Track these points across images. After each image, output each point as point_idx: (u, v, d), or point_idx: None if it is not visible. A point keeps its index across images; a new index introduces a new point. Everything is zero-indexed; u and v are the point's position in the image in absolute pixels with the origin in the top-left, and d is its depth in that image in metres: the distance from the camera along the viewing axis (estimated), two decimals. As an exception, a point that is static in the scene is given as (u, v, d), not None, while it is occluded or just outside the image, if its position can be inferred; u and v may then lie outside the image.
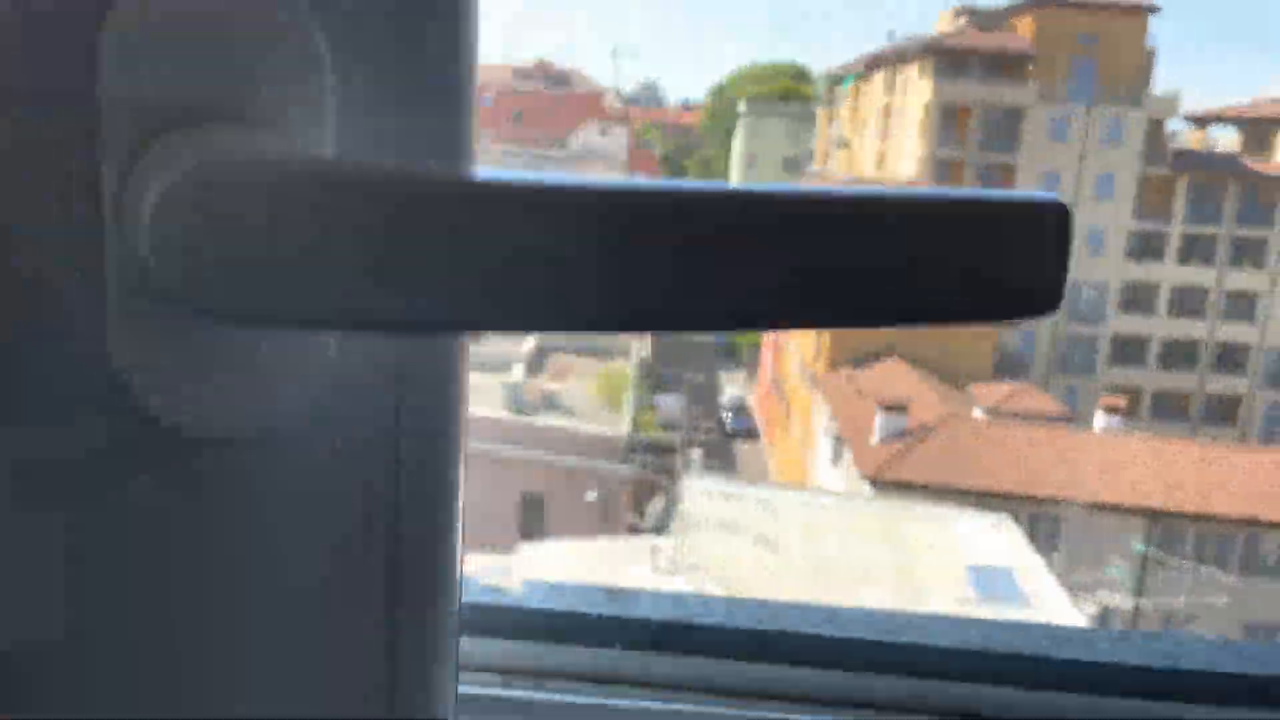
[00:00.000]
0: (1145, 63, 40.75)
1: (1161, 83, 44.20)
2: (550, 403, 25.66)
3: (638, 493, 22.38)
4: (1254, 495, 22.51)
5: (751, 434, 45.92)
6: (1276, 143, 43.01)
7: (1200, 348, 42.93)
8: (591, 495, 21.22)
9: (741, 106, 68.44)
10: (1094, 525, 21.57)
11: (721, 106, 78.64)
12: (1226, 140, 48.69)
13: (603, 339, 31.54)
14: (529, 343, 30.52)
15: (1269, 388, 43.07)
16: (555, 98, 59.68)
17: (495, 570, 16.16)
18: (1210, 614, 21.38)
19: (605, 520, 21.41)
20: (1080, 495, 21.73)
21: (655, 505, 19.50)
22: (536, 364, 29.91)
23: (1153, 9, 40.69)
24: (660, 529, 18.29)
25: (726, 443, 43.68)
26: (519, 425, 23.50)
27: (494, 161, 55.39)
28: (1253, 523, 22.09)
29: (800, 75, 76.50)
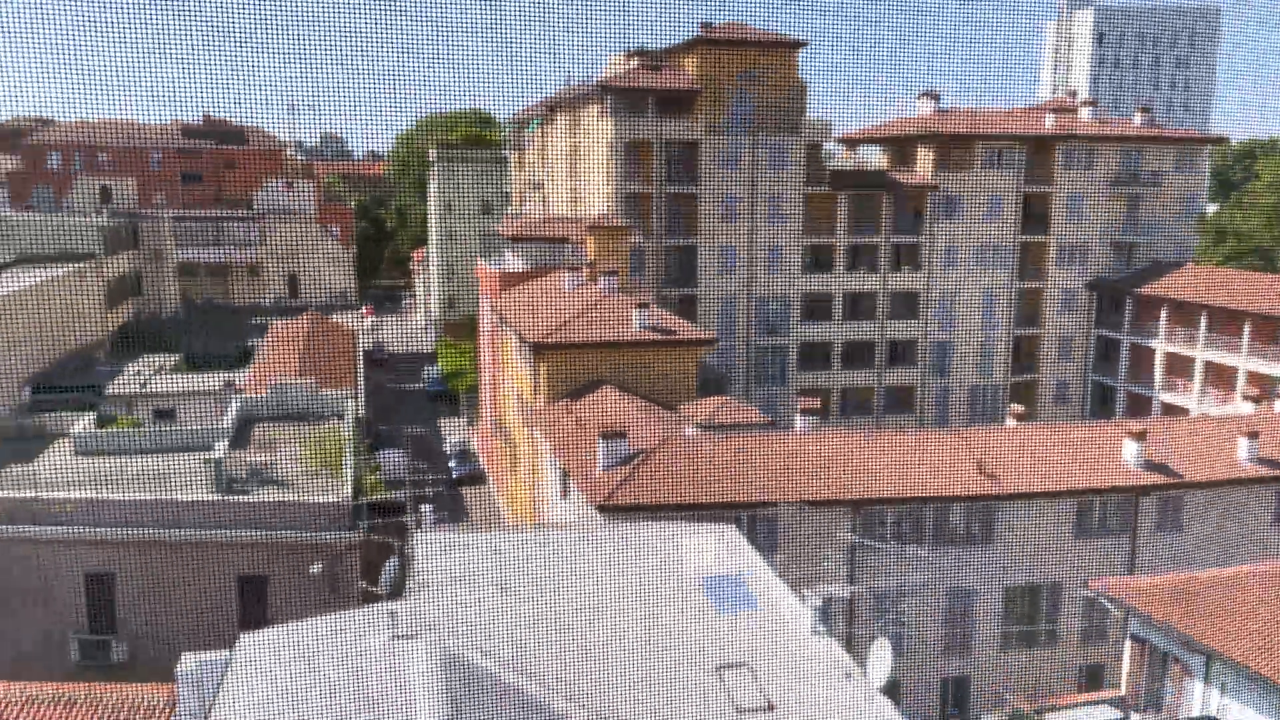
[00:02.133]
0: (799, 93, 44.64)
1: (814, 110, 48.50)
2: (261, 476, 24.15)
3: (369, 557, 21.50)
4: (937, 472, 25.04)
5: (478, 478, 45.53)
6: (917, 156, 48.45)
7: (875, 346, 47.38)
8: (316, 568, 20.15)
9: (431, 154, 68.07)
10: (808, 520, 23.09)
11: (410, 155, 77.79)
12: (875, 158, 54.23)
13: (310, 401, 30.11)
14: (229, 414, 28.59)
15: (936, 376, 48.19)
16: (231, 155, 56.61)
17: (213, 668, 14.89)
18: (917, 590, 23.47)
19: (335, 592, 20.40)
20: (792, 494, 23.22)
21: (389, 567, 18.78)
22: (241, 436, 28.10)
23: (801, 44, 44.65)
24: (396, 592, 17.63)
25: (455, 490, 43.04)
26: (229, 505, 21.93)
27: (167, 227, 51.37)
28: (945, 498, 24.53)
29: (485, 121, 77.21)
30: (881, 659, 16.09)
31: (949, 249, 47.74)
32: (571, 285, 35.81)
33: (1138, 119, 51.82)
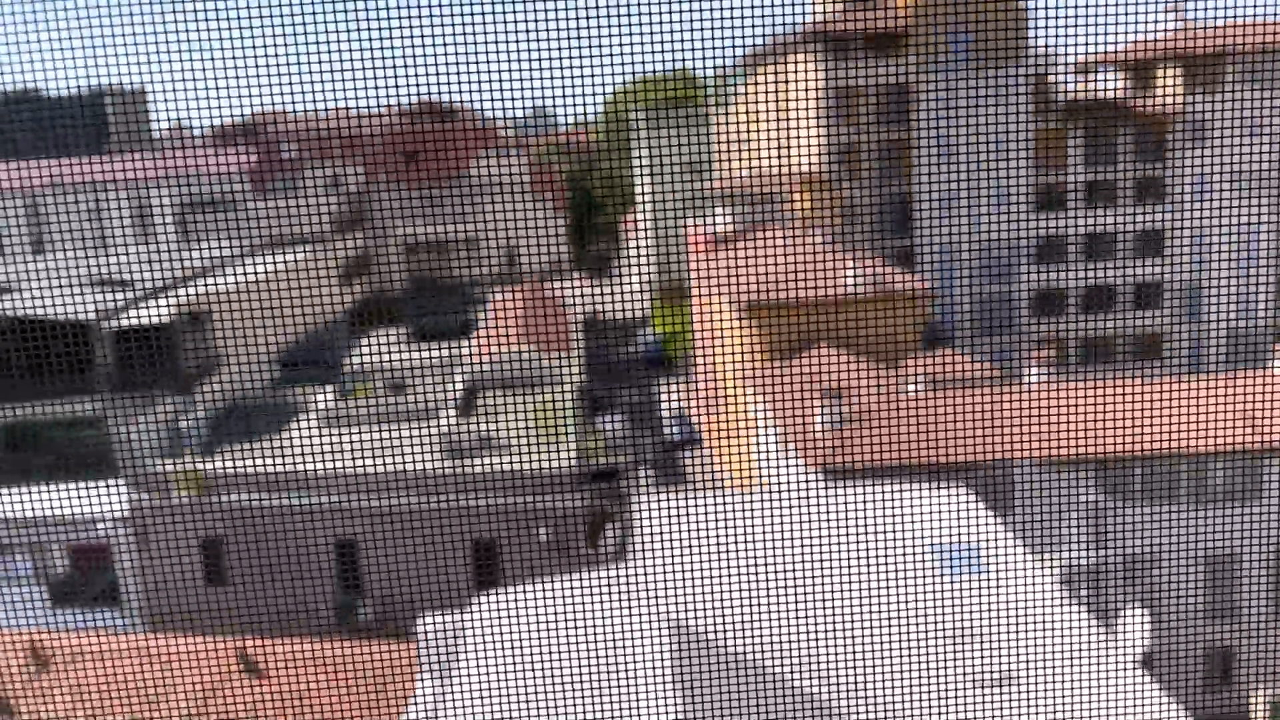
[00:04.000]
0: (1020, 20, 41.54)
1: (1040, 38, 45.33)
2: (488, 443, 24.99)
3: (592, 521, 21.85)
4: (1192, 424, 22.82)
5: (695, 441, 45.71)
6: (1161, 79, 44.21)
7: (1115, 289, 43.88)
8: (543, 533, 20.63)
9: (636, 117, 68.43)
10: (1046, 480, 21.59)
11: (615, 121, 78.57)
12: (1112, 85, 49.91)
13: (531, 369, 30.93)
14: (456, 385, 29.79)
15: (1186, 320, 44.15)
16: (447, 133, 58.94)
17: (451, 629, 15.46)
18: (1173, 554, 21.54)
19: (561, 556, 20.85)
20: (1027, 452, 21.76)
21: (612, 531, 18.97)
22: (468, 405, 29.21)
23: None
24: (619, 556, 17.77)
25: (673, 454, 43.40)
26: (459, 473, 22.82)
27: (391, 208, 54.28)
28: (1198, 454, 22.35)
29: (689, 80, 76.83)
30: (1135, 629, 14.78)
31: (1199, 180, 43.42)
32: (782, 242, 35.02)
33: None
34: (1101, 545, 21.05)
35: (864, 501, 19.28)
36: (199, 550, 22.89)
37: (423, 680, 15.76)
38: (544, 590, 16.38)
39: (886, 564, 16.25)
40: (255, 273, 33.76)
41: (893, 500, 18.94)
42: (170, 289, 30.77)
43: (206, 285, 31.40)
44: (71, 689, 16.86)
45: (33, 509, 23.20)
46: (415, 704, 14.94)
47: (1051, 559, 15.35)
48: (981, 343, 42.67)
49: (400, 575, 21.72)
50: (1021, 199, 42.57)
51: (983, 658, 13.34)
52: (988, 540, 16.74)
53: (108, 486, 23.72)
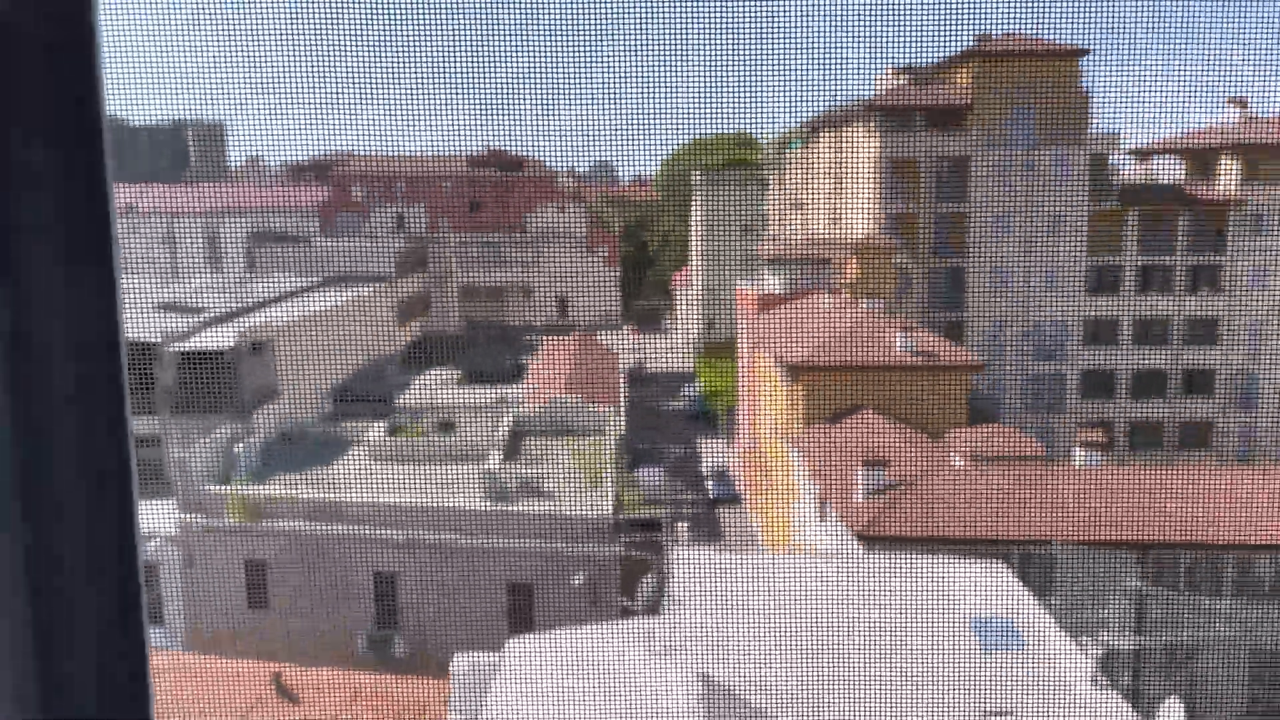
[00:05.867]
0: (1081, 103, 41.83)
1: (1100, 121, 45.44)
2: (530, 487, 25.32)
3: (627, 572, 22.01)
4: (1240, 515, 22.51)
5: (735, 499, 45.62)
6: (1220, 168, 44.12)
7: (1167, 374, 43.39)
8: (579, 579, 20.82)
9: (694, 177, 69.42)
10: (1089, 562, 21.42)
11: (674, 178, 79.70)
12: (1171, 172, 49.85)
13: (576, 417, 31.31)
14: (503, 427, 30.26)
15: (1238, 409, 43.49)
16: (510, 182, 60.26)
17: (484, 669, 15.69)
18: (1215, 646, 21.15)
19: (595, 604, 21.00)
20: (1071, 533, 21.61)
21: (646, 583, 19.12)
22: (513, 448, 29.61)
23: (1083, 52, 41.91)
24: (652, 609, 17.91)
25: (712, 510, 43.36)
26: (500, 514, 23.15)
27: (452, 252, 55.46)
28: (1249, 546, 22.04)
29: (747, 142, 77.82)
30: (1173, 718, 14.61)
31: (1256, 270, 43.06)
32: (831, 307, 35.26)
33: None
34: (1143, 632, 20.77)
35: (901, 570, 19.25)
36: (242, 571, 23.37)
37: (453, 718, 15.96)
38: (576, 636, 16.56)
39: (919, 633, 16.23)
40: (317, 307, 34.69)
41: (930, 571, 18.90)
42: (235, 317, 31.71)
43: (270, 315, 32.31)
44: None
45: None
46: (445, 739, 15.12)
47: (1091, 643, 15.24)
48: (1028, 420, 42.35)
49: (437, 612, 21.99)
50: (1074, 279, 42.47)
51: (1013, 735, 13.29)
52: (1025, 617, 16.66)
53: (159, 506, 24.38)
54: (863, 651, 15.54)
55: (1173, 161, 49.56)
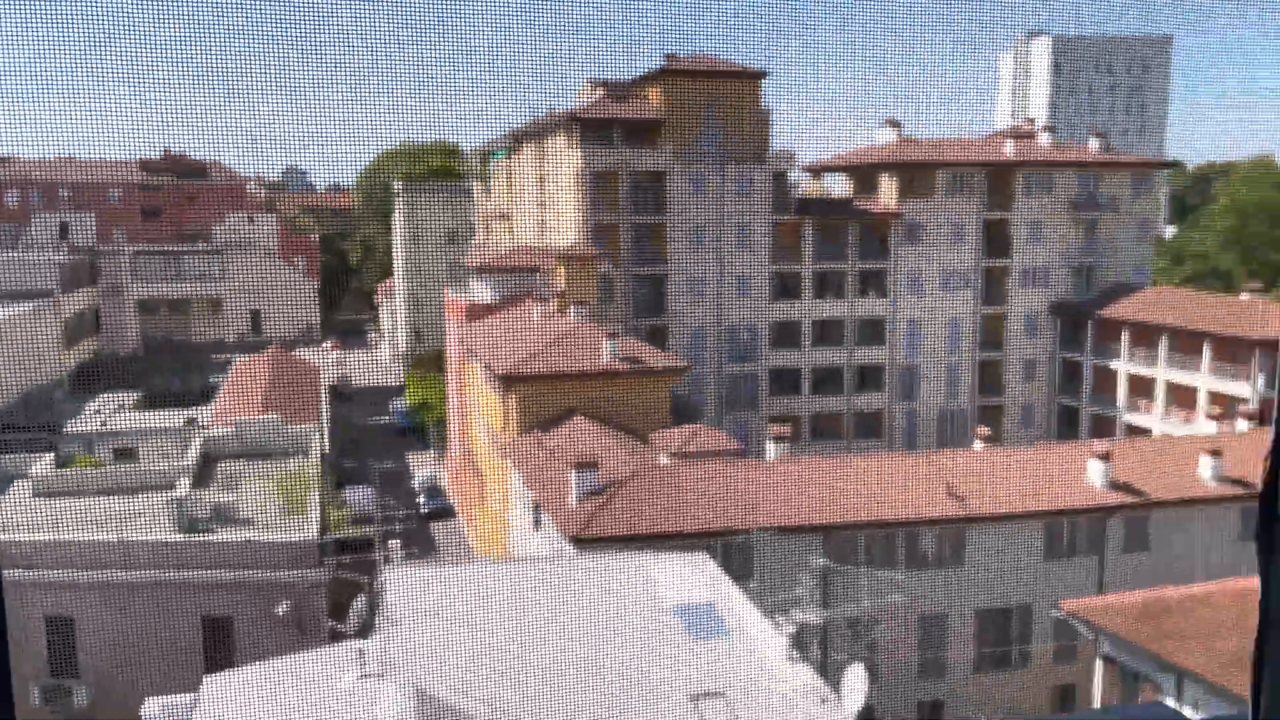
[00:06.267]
0: (763, 122, 45.03)
1: (779, 139, 49.18)
2: (225, 514, 23.71)
3: (337, 595, 21.12)
4: (907, 496, 25.08)
5: (448, 513, 45.03)
6: (881, 184, 48.96)
7: (843, 371, 47.62)
8: (283, 608, 19.74)
9: (396, 185, 67.96)
10: (780, 547, 23.02)
11: (374, 187, 77.62)
12: (840, 186, 54.75)
13: (274, 438, 29.69)
14: (191, 452, 28.13)
15: (903, 400, 48.45)
16: (193, 190, 56.20)
17: (179, 711, 14.52)
18: (890, 614, 23.41)
19: (303, 632, 20.00)
20: (764, 521, 23.15)
21: (357, 605, 18.46)
22: (204, 474, 27.62)
23: (763, 74, 45.12)
24: (365, 630, 17.32)
25: (424, 526, 42.53)
26: (192, 545, 21.49)
27: (126, 263, 50.91)
28: (916, 522, 24.56)
29: (450, 152, 77.25)
30: (856, 685, 15.99)
31: (913, 275, 48.17)
32: (540, 315, 35.71)
33: (1094, 144, 52.71)
34: (828, 607, 22.60)
35: (611, 568, 19.81)
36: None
37: (143, 769, 14.65)
38: (282, 666, 15.71)
39: (632, 629, 16.78)
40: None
41: (639, 567, 19.59)
42: None
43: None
44: None
45: None
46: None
47: (785, 621, 16.40)
48: (726, 418, 44.95)
49: (123, 654, 20.05)
50: (761, 285, 45.59)
51: (723, 716, 14.02)
52: (727, 603, 17.63)
53: None
54: (578, 651, 15.84)
55: (841, 178, 54.48)
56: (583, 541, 22.44)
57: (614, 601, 18.00)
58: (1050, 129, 55.56)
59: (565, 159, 44.04)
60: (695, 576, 18.89)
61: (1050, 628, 25.07)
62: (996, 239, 49.12)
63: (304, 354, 47.54)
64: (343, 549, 22.47)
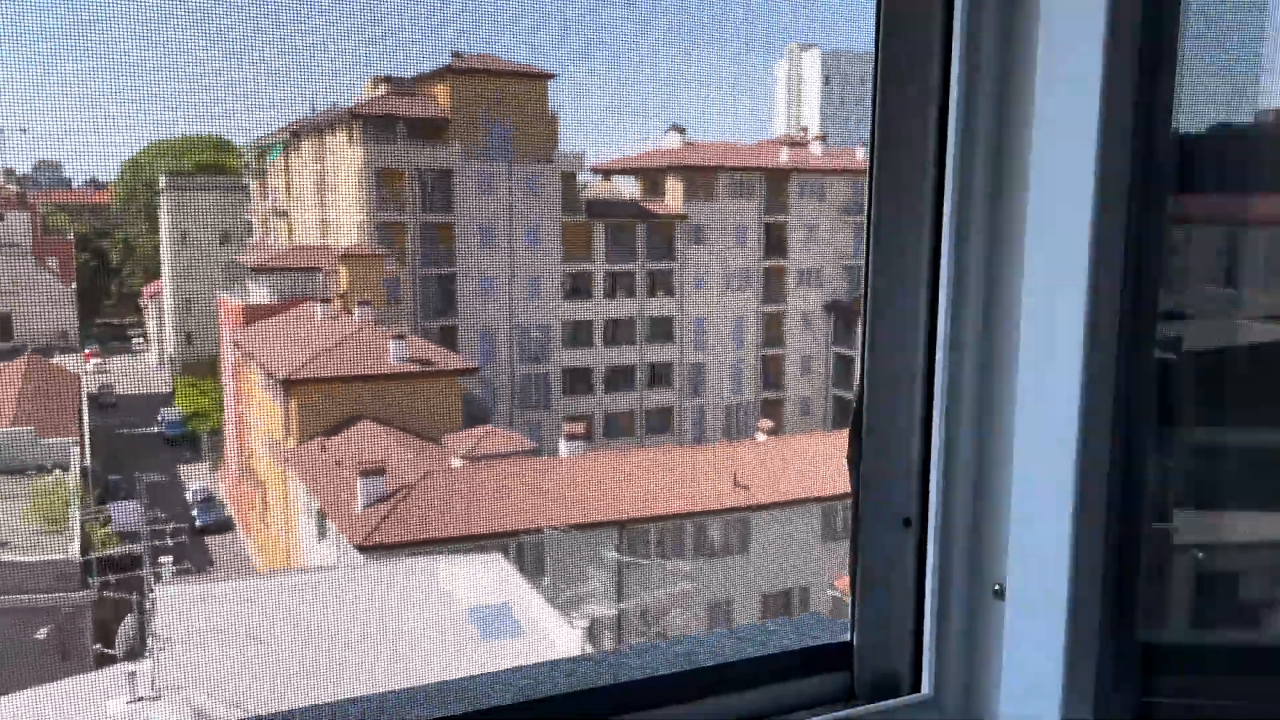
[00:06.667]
0: (551, 124, 45.26)
1: (568, 141, 49.65)
2: (-31, 538, 21.58)
3: (102, 617, 19.68)
4: (696, 488, 25.93)
5: (226, 525, 42.71)
6: (667, 186, 50.26)
7: (635, 370, 48.59)
8: (42, 633, 18.20)
9: (162, 181, 63.73)
10: (574, 543, 23.29)
11: (137, 183, 72.51)
12: (630, 188, 55.79)
13: (26, 451, 27.34)
14: (-71, 472, 25.43)
15: (692, 396, 49.95)
16: (-76, 182, 50.72)
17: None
18: (680, 603, 24.15)
19: (66, 657, 18.52)
20: (558, 518, 23.35)
21: (126, 626, 17.30)
22: (-57, 496, 25.02)
23: (550, 76, 45.35)
24: (135, 653, 16.28)
25: (199, 540, 40.15)
26: (-71, 572, 19.45)
27: None
28: (704, 512, 25.40)
29: (222, 146, 73.21)
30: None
31: (699, 275, 49.77)
32: (323, 317, 34.54)
33: (860, 153, 56.13)
34: (622, 599, 23.07)
35: (401, 574, 19.46)
36: None
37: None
38: (41, 696, 14.54)
39: (424, 635, 16.55)
40: None
41: (430, 571, 19.34)
42: None
43: None
44: None
45: None
46: None
47: (578, 616, 16.64)
48: (518, 419, 44.92)
49: None
50: (552, 285, 45.87)
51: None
52: (520, 603, 17.70)
53: None
54: (368, 661, 15.49)
55: (629, 180, 55.55)
56: (370, 549, 21.92)
57: (405, 608, 17.71)
58: (822, 138, 58.72)
59: (347, 156, 42.76)
60: (489, 578, 18.85)
61: (828, 605, 26.58)
62: (775, 240, 51.44)
63: (62, 361, 43.95)
64: (108, 567, 20.96)
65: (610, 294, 47.72)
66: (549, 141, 45.06)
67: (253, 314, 37.60)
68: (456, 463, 26.81)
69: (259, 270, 40.37)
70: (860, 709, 1.41)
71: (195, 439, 52.59)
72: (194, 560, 34.55)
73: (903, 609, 1.45)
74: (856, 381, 1.53)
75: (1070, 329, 1.27)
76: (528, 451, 29.17)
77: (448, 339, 42.34)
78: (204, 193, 62.67)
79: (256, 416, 35.92)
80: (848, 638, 1.48)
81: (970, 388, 1.40)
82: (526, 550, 23.27)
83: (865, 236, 1.54)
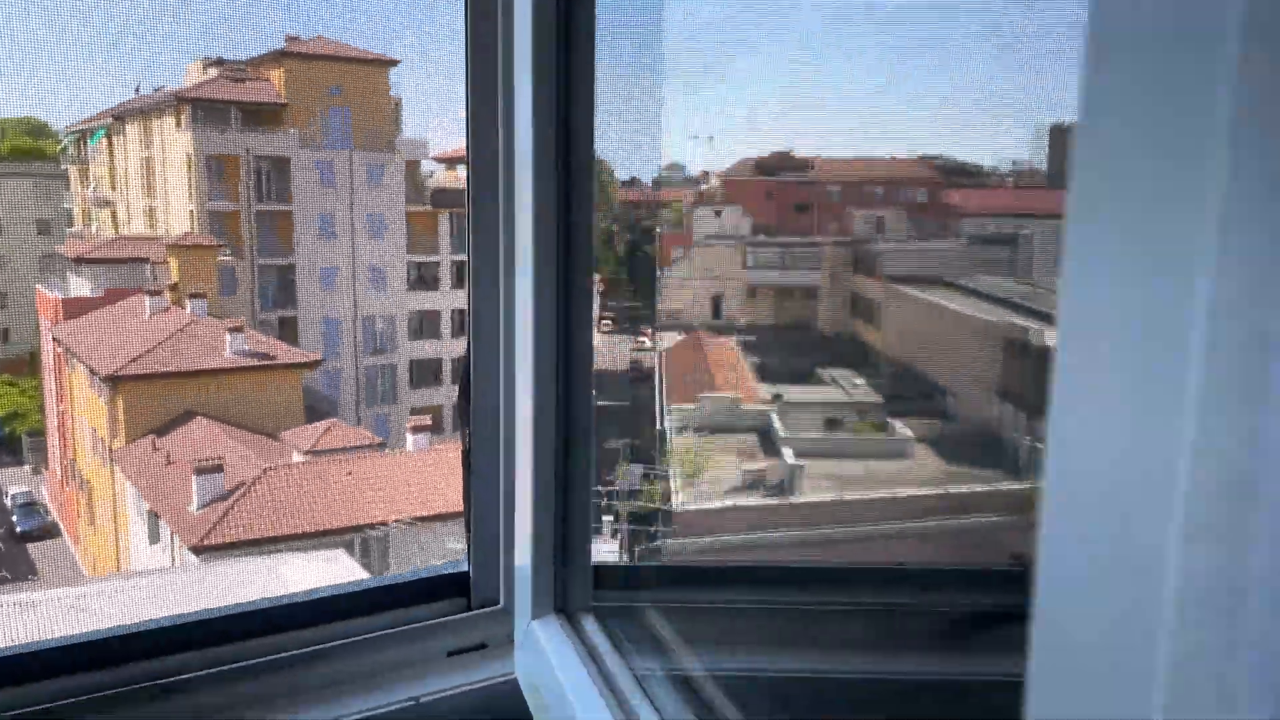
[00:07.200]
0: (393, 111, 44.45)
1: (411, 128, 48.91)
2: None
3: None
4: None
5: (50, 532, 40.41)
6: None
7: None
8: None
9: (-31, 166, 59.63)
10: (419, 535, 23.18)
11: (-57, 167, 67.54)
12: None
13: None
14: None
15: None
16: None
17: None
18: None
19: None
20: (403, 511, 23.17)
21: (-69, 643, 16.28)
22: None
23: (393, 62, 44.54)
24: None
25: (20, 548, 37.90)
26: None
27: None
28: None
29: (38, 130, 68.97)
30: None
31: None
32: (152, 310, 33.10)
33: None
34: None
35: (242, 575, 18.97)
36: None
37: None
38: None
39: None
40: None
41: (272, 570, 18.93)
42: None
43: None
44: None
45: None
46: None
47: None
48: (364, 412, 44.09)
49: None
50: (398, 276, 45.16)
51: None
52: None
53: None
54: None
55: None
56: (207, 549, 21.29)
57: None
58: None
59: (175, 142, 40.98)
60: (331, 575, 18.60)
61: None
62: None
63: None
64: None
65: (458, 284, 47.25)
66: (391, 129, 44.28)
67: (74, 308, 35.61)
68: (298, 458, 26.23)
69: (81, 261, 38.25)
70: (457, 617, 1.99)
71: (14, 440, 49.50)
72: (14, 569, 32.66)
73: (494, 545, 2.05)
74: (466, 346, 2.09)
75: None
76: (373, 445, 28.73)
77: (289, 332, 41.12)
78: (18, 179, 58.92)
79: (81, 415, 34.15)
80: (465, 568, 2.05)
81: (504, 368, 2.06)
82: (372, 545, 23.00)
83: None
